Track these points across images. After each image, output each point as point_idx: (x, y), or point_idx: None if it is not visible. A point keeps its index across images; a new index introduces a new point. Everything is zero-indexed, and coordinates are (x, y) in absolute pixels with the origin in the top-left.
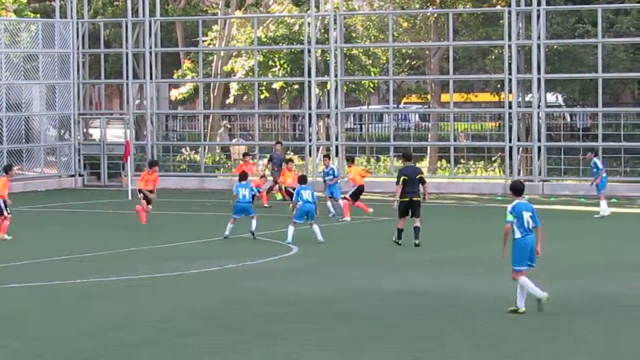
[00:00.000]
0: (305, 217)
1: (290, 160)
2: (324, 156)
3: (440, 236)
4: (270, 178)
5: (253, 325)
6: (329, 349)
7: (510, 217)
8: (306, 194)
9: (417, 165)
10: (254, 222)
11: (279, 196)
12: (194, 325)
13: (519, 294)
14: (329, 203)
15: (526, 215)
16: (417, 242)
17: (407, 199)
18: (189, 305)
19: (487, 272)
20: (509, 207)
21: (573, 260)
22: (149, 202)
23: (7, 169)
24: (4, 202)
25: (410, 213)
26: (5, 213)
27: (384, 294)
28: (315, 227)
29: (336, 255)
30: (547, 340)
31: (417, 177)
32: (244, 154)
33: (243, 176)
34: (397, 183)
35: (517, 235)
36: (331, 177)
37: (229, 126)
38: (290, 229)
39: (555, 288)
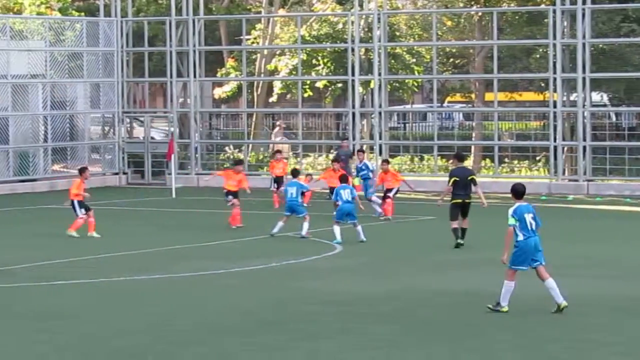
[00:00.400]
0: (347, 216)
1: (336, 161)
2: (358, 151)
3: (486, 236)
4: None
5: (297, 323)
6: (375, 348)
7: (512, 221)
8: (345, 194)
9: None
10: (305, 225)
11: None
12: (238, 323)
13: (553, 294)
14: (373, 203)
15: (528, 217)
16: (462, 242)
17: (459, 201)
18: (233, 303)
19: (533, 272)
20: (510, 210)
21: (619, 260)
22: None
23: (82, 171)
24: (79, 203)
25: (461, 214)
26: (79, 213)
27: (429, 293)
28: (358, 227)
29: (381, 254)
30: (594, 341)
31: (469, 178)
32: (276, 151)
33: (294, 173)
34: (448, 184)
35: (520, 237)
36: (365, 172)
37: (283, 126)
38: (336, 229)
39: (602, 288)
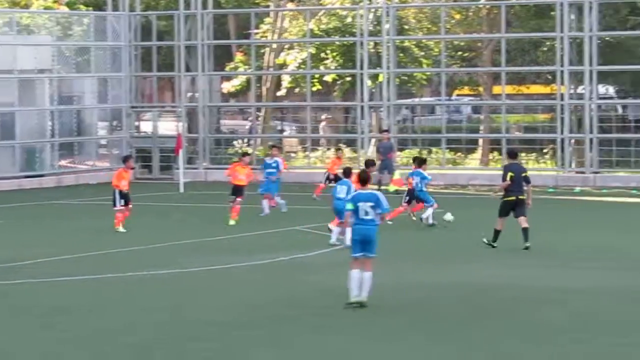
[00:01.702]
0: (339, 215)
1: (340, 149)
2: (272, 146)
3: (491, 227)
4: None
5: (306, 317)
6: (382, 341)
7: (349, 206)
8: (341, 190)
9: (473, 157)
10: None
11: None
12: (247, 318)
13: (363, 287)
14: (264, 202)
15: (364, 206)
16: (528, 244)
17: (513, 198)
18: (242, 298)
19: (540, 263)
20: (349, 196)
21: (627, 252)
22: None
23: (125, 159)
24: (120, 193)
25: (514, 213)
26: (117, 204)
27: (433, 286)
28: (347, 229)
29: (386, 248)
30: (603, 332)
31: (523, 175)
32: (244, 154)
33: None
34: (504, 180)
35: (354, 224)
36: (274, 170)
37: (330, 117)
38: (334, 229)
39: (608, 280)
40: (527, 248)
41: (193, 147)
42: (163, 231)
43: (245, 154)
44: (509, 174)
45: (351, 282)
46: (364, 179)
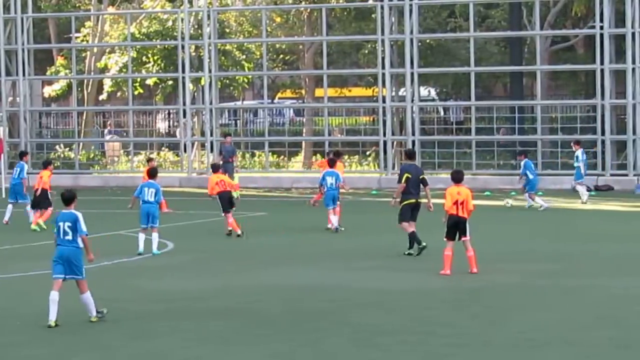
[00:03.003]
0: (147, 219)
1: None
2: (23, 154)
3: (315, 230)
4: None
5: (130, 322)
6: (208, 344)
7: (53, 227)
8: (148, 193)
9: (296, 160)
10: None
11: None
12: (69, 324)
13: (87, 309)
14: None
15: (63, 225)
16: (413, 251)
17: (414, 201)
18: (64, 303)
19: (361, 266)
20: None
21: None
22: None
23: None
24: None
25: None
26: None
27: (259, 289)
28: (154, 235)
29: (211, 252)
30: (427, 333)
31: (420, 177)
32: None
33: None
34: (400, 181)
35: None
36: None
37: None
38: (141, 236)
39: (427, 282)
40: (411, 254)
41: (15, 152)
42: None
43: (150, 159)
44: (405, 175)
45: (49, 303)
46: (66, 199)
